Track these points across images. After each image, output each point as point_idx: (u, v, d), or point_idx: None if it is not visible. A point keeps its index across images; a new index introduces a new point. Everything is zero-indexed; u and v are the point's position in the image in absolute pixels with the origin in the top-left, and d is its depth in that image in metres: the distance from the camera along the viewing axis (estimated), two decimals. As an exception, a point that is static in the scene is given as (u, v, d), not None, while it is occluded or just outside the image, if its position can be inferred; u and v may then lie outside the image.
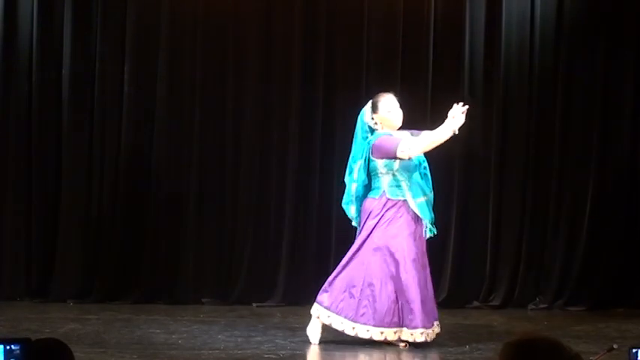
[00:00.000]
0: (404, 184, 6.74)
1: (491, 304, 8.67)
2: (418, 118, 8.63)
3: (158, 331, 7.18)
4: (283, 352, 6.48)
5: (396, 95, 6.90)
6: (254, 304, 8.46)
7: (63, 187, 8.45)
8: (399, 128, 6.87)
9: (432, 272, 8.65)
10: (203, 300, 8.54)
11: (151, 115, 8.56)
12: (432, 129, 8.64)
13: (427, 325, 6.62)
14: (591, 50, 8.71)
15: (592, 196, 8.69)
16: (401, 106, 6.87)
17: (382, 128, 6.83)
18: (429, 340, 6.63)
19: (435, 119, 8.67)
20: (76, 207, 8.46)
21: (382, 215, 6.69)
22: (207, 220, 8.59)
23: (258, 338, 6.96)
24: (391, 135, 6.79)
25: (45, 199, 8.45)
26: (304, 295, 7.87)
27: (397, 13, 8.67)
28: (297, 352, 6.58)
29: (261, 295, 8.54)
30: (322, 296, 6.77)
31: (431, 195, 6.81)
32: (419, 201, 6.73)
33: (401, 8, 8.66)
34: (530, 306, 8.67)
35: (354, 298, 6.66)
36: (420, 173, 6.83)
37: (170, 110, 8.57)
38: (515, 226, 8.72)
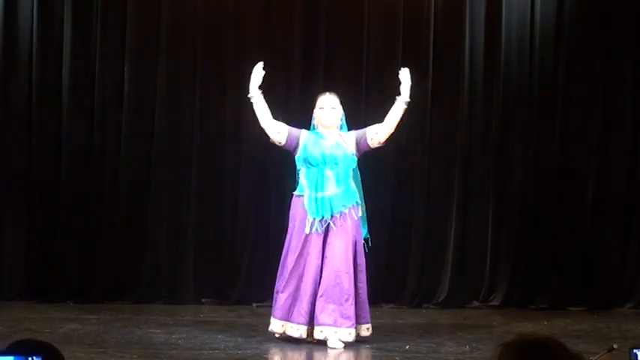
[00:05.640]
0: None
1: (491, 304, 8.66)
2: (418, 117, 8.66)
3: (158, 331, 7.18)
4: (283, 352, 6.47)
5: (339, 97, 6.98)
6: (254, 304, 8.45)
7: (63, 187, 8.44)
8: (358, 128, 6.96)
9: (432, 272, 8.71)
10: (203, 300, 8.54)
11: (151, 115, 8.56)
12: (431, 128, 8.71)
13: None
14: (591, 50, 8.71)
15: (592, 196, 8.70)
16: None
17: (317, 125, 6.95)
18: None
19: (435, 119, 8.71)
20: (76, 207, 8.46)
21: None
22: (207, 221, 8.59)
23: (258, 338, 6.96)
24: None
25: (45, 198, 8.45)
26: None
27: (397, 12, 8.67)
28: (297, 351, 6.57)
29: (261, 295, 8.52)
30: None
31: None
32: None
33: (401, 8, 8.66)
34: (531, 306, 8.67)
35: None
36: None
37: (170, 110, 8.57)
38: (515, 226, 8.72)
